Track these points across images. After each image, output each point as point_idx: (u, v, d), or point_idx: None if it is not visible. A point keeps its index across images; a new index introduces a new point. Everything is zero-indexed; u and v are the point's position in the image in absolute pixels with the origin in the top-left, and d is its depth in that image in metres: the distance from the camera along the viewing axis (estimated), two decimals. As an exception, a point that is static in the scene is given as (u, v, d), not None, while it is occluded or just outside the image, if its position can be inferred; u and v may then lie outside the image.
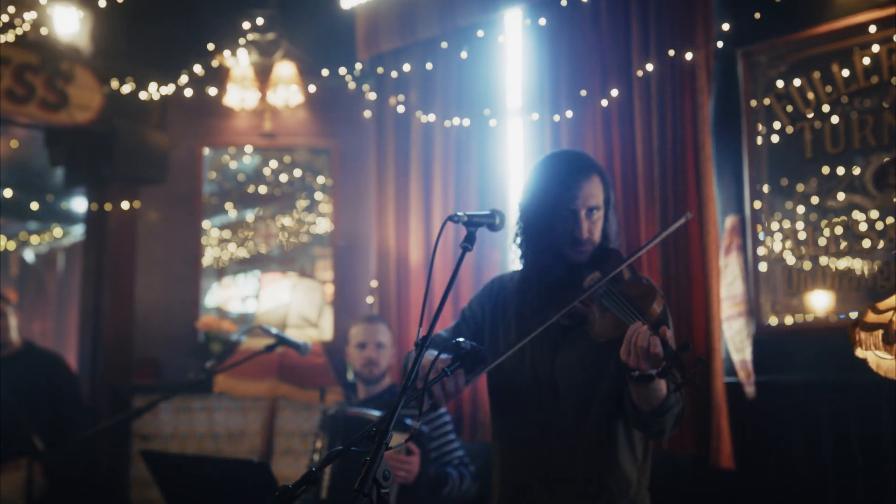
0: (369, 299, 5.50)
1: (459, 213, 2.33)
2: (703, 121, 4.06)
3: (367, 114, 5.56)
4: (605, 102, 4.35)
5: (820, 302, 3.87)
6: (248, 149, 5.76)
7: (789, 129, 4.03)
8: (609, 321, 2.33)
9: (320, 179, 5.75)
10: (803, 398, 3.81)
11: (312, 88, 5.67)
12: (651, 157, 4.21)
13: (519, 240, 2.64)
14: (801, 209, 3.96)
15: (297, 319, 4.65)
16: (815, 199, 3.93)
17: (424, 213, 5.13)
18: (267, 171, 5.78)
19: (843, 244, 3.82)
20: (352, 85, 5.63)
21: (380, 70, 5.34)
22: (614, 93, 4.33)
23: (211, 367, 4.56)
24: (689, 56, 4.11)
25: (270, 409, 4.61)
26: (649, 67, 4.23)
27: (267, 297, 4.71)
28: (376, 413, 3.72)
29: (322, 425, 3.83)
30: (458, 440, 4.02)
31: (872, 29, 3.79)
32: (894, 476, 3.56)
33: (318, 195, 5.72)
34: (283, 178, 5.79)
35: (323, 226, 5.69)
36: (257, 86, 5.61)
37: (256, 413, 5.31)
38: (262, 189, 5.78)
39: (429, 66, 5.11)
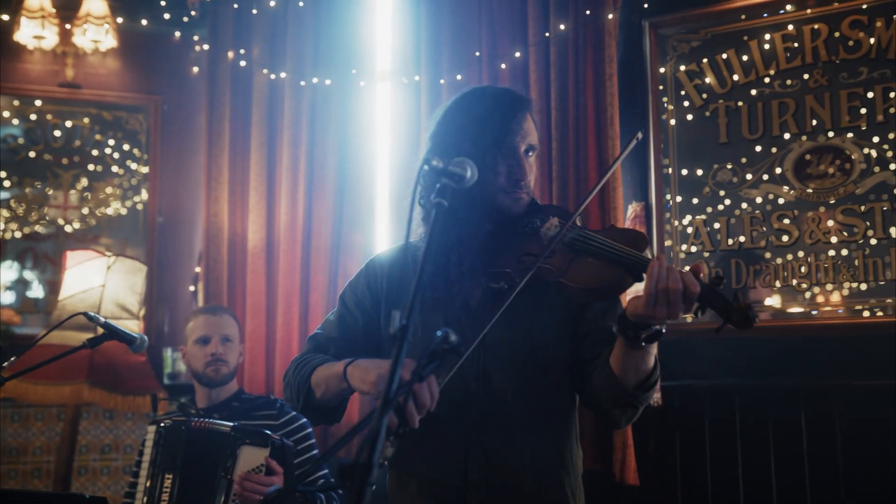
0: (193, 287, 4.63)
1: (435, 160, 1.70)
2: (610, 94, 3.63)
3: (195, 69, 4.70)
4: (503, 66, 3.81)
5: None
6: (39, 102, 4.69)
7: (702, 111, 3.68)
8: (593, 265, 1.84)
9: (135, 143, 4.78)
10: (715, 404, 3.46)
11: (130, 32, 4.72)
12: (549, 132, 3.72)
13: (429, 196, 2.03)
14: (713, 198, 3.62)
15: (112, 307, 3.74)
16: (729, 188, 3.60)
17: (267, 186, 4.36)
18: (65, 130, 4.71)
19: (760, 237, 3.51)
20: (178, 34, 4.74)
21: (214, 18, 4.50)
22: (518, 54, 3.80)
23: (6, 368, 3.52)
24: (594, 22, 3.67)
25: (72, 420, 3.67)
26: (547, 33, 3.75)
27: (73, 279, 3.76)
28: (227, 424, 2.97)
29: (157, 440, 3.00)
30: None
31: (791, 7, 3.51)
32: (811, 485, 3.27)
33: (131, 162, 4.76)
34: (88, 138, 4.76)
35: (138, 198, 4.74)
36: (58, 22, 4.58)
37: (43, 423, 4.30)
38: (60, 151, 4.71)
39: (272, 4, 4.35)
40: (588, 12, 3.69)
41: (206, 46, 4.52)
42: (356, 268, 4.05)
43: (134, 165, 4.78)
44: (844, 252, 3.37)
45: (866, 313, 3.31)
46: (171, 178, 4.79)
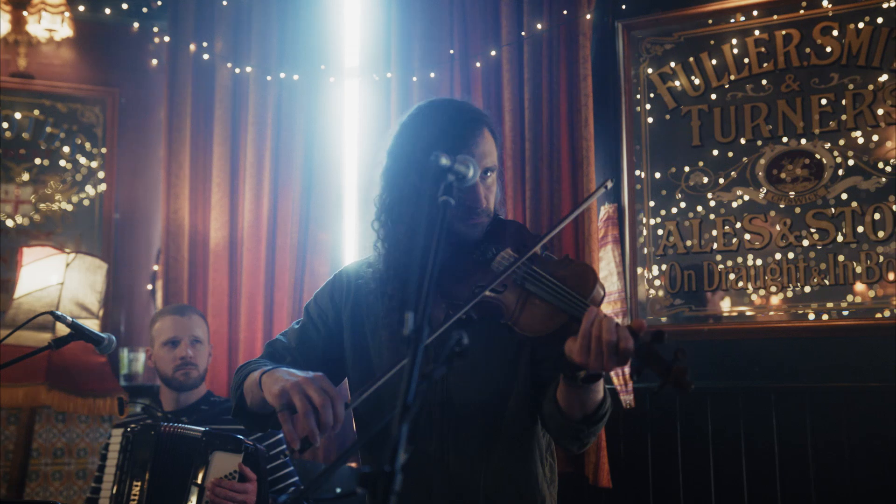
0: (151, 286, 4.50)
1: (443, 157, 1.65)
2: (584, 95, 3.61)
3: (154, 62, 4.56)
4: (478, 64, 3.76)
5: (706, 302, 3.55)
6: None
7: (675, 113, 3.68)
8: (540, 310, 1.78)
9: (91, 136, 4.63)
10: (687, 406, 3.47)
11: (86, 22, 4.56)
12: (522, 132, 3.69)
13: (383, 217, 1.99)
14: (685, 200, 3.63)
15: (70, 306, 3.60)
16: (701, 190, 3.61)
17: (230, 182, 4.25)
18: (16, 122, 4.54)
19: (733, 240, 3.53)
20: (137, 24, 4.60)
21: (175, 9, 4.37)
22: (493, 53, 3.75)
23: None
24: (568, 22, 3.65)
25: (27, 423, 3.52)
26: (523, 32, 3.72)
27: (29, 277, 3.61)
28: (198, 429, 2.87)
29: (125, 445, 2.89)
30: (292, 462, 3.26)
31: (763, 13, 3.54)
32: (781, 487, 3.30)
33: (86, 156, 4.60)
34: (41, 131, 4.59)
35: (93, 193, 4.58)
36: (11, 9, 4.41)
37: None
38: (10, 144, 4.53)
39: None
40: (565, 12, 3.67)
41: (166, 38, 4.38)
42: (323, 267, 4.03)
43: (89, 160, 4.62)
44: (812, 255, 3.40)
45: (845, 314, 3.35)
46: (128, 174, 4.64)
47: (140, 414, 3.32)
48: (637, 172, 3.70)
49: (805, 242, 3.42)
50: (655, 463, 3.49)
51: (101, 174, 4.61)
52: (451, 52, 3.81)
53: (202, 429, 2.86)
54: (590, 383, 1.74)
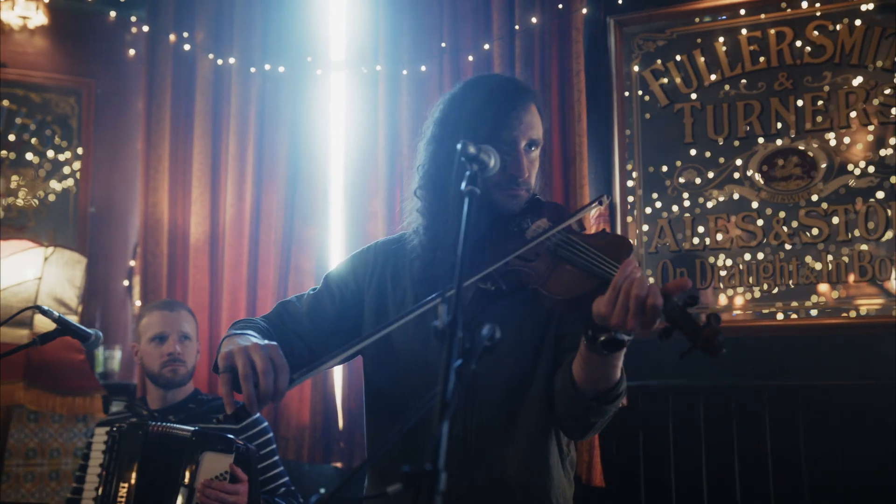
0: (127, 282, 4.38)
1: (470, 145, 1.60)
2: (578, 91, 3.58)
3: (132, 52, 4.45)
4: (471, 58, 3.71)
5: (699, 299, 3.54)
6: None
7: (667, 110, 3.66)
8: (570, 275, 1.75)
9: (65, 128, 4.49)
10: (680, 404, 3.45)
11: (61, 10, 4.43)
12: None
13: (424, 188, 1.97)
14: (678, 198, 3.61)
15: (49, 302, 3.48)
16: (694, 188, 3.59)
17: (212, 176, 4.16)
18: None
19: (726, 237, 3.52)
20: (114, 13, 4.48)
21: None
22: (486, 46, 3.70)
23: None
24: (560, 17, 3.62)
25: (3, 422, 3.40)
26: (517, 26, 3.67)
27: (5, 271, 3.48)
28: (188, 428, 2.78)
29: (111, 445, 2.79)
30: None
31: (756, 11, 3.53)
32: (774, 484, 3.29)
33: (60, 148, 4.46)
34: (12, 122, 4.44)
35: (68, 186, 4.45)
36: (-17, -4, 4.28)
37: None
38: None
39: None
40: (560, 6, 3.63)
41: (145, 28, 4.27)
42: (309, 263, 3.95)
43: (63, 151, 4.49)
44: (808, 254, 3.40)
45: (845, 314, 3.35)
46: (104, 166, 4.52)
47: (124, 412, 3.22)
48: (629, 168, 3.67)
49: (797, 240, 3.41)
50: (647, 461, 3.47)
51: (76, 166, 4.48)
52: (443, 45, 3.76)
53: (192, 428, 2.77)
54: (611, 350, 1.67)
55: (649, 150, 3.66)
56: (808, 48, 3.47)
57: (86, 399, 3.53)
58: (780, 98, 3.50)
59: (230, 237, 4.03)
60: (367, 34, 3.94)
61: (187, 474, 2.70)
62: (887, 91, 3.36)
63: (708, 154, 3.58)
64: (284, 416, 3.81)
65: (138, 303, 4.13)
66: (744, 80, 3.56)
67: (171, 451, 2.73)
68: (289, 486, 3.10)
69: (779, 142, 3.49)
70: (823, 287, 3.38)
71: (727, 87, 3.57)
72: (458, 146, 1.59)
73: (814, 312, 3.38)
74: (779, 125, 3.49)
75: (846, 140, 3.40)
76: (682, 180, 3.61)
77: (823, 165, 3.42)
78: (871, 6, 3.39)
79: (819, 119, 3.44)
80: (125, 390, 4.07)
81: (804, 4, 3.47)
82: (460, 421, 1.88)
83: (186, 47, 4.20)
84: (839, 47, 3.43)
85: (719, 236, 3.53)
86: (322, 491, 3.87)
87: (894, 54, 3.36)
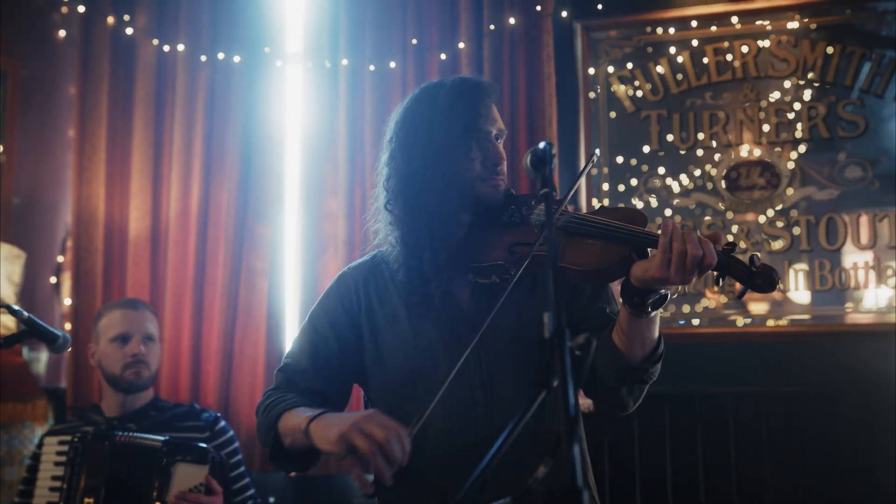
0: (55, 279, 4.08)
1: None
2: (548, 94, 3.55)
3: (62, 33, 4.16)
4: (443, 56, 3.63)
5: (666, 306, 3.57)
6: None
7: (633, 118, 3.68)
8: (593, 247, 1.75)
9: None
10: (645, 409, 3.45)
11: (-15, -16, 4.10)
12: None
13: (394, 203, 1.93)
14: (644, 204, 3.62)
15: (-17, 299, 3.20)
16: (659, 195, 3.62)
17: (154, 169, 3.92)
18: None
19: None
20: (43, -9, 4.18)
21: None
22: (461, 45, 3.62)
23: None
24: (530, 19, 3.59)
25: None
26: (492, 26, 3.61)
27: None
28: (158, 438, 2.61)
29: (73, 457, 2.58)
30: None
31: (734, 20, 3.59)
32: (738, 487, 3.35)
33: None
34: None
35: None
36: None
37: None
38: None
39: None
40: (538, 8, 3.60)
41: (80, 9, 3.99)
42: (261, 263, 3.77)
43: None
44: (772, 263, 3.47)
45: (804, 319, 3.44)
46: (30, 154, 4.19)
47: (75, 421, 2.98)
48: (595, 174, 3.67)
49: (761, 251, 3.49)
50: (612, 465, 3.47)
51: (-1, 153, 4.14)
52: (414, 41, 3.66)
53: (162, 438, 2.60)
54: (657, 308, 1.72)
55: (615, 155, 3.67)
56: (773, 61, 3.55)
57: (27, 406, 3.25)
58: (745, 109, 3.57)
59: (175, 234, 3.81)
60: (328, 26, 3.80)
61: (159, 487, 2.53)
62: (848, 107, 3.47)
63: (673, 161, 3.61)
64: (234, 423, 3.62)
65: (67, 301, 3.85)
66: (709, 92, 3.61)
67: (141, 462, 2.55)
68: (256, 498, 2.96)
69: (744, 152, 3.55)
70: (779, 295, 3.46)
71: (693, 96, 3.61)
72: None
73: (782, 321, 3.45)
74: (743, 135, 3.56)
75: (808, 152, 3.49)
76: (648, 187, 3.63)
77: (786, 176, 3.50)
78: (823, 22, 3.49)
79: (783, 131, 3.52)
80: (53, 395, 3.78)
81: (767, 21, 3.56)
82: (484, 427, 1.83)
83: (128, 31, 3.95)
84: (801, 62, 3.53)
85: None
86: (271, 500, 3.70)
87: (853, 70, 3.48)
